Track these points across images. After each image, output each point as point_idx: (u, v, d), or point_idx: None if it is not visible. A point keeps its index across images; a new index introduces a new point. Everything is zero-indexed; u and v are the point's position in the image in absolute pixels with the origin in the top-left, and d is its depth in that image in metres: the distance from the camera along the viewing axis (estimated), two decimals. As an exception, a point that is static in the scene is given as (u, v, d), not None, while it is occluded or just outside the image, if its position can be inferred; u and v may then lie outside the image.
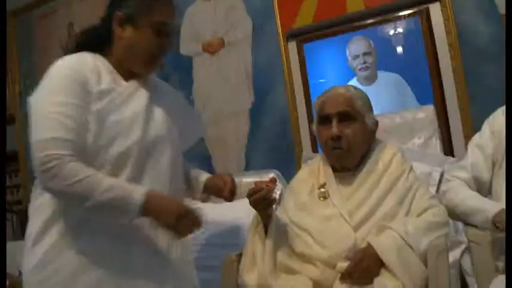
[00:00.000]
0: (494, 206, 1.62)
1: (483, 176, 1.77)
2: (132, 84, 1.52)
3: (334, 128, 1.70)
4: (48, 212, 1.41)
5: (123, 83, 1.52)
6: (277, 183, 1.85)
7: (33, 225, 1.43)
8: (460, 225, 2.12)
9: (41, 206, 1.43)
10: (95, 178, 1.34)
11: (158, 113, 1.54)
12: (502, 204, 1.58)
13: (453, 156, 2.61)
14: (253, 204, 1.62)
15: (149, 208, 1.36)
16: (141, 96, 1.52)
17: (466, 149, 1.81)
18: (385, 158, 1.76)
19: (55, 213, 1.40)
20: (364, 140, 1.74)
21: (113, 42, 1.54)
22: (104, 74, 1.48)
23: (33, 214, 1.46)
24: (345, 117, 1.71)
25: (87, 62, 1.47)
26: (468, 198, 1.72)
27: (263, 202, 1.61)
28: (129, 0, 1.51)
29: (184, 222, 1.38)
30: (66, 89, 1.39)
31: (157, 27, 1.51)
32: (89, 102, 1.41)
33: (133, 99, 1.50)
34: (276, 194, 1.93)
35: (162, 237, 1.47)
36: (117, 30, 1.52)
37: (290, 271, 1.63)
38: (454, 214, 1.75)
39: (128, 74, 1.54)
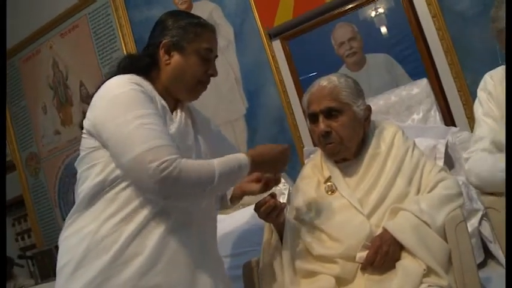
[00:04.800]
0: None
1: (503, 139, 1.71)
2: (182, 115, 1.54)
3: (321, 125, 1.68)
4: (92, 235, 1.35)
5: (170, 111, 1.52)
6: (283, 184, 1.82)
7: (72, 252, 1.37)
8: (474, 193, 2.08)
9: (76, 233, 1.38)
10: (204, 161, 1.38)
11: (202, 146, 1.56)
12: None
13: (455, 125, 2.57)
14: (265, 215, 1.61)
15: (256, 163, 1.47)
16: (189, 128, 1.54)
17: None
18: (386, 139, 1.72)
19: (101, 232, 1.35)
20: (356, 128, 1.70)
21: (160, 70, 1.54)
22: (156, 96, 1.48)
23: (67, 243, 1.41)
24: (331, 112, 1.68)
25: (141, 81, 1.46)
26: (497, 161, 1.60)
27: (274, 212, 1.60)
28: (175, 29, 1.54)
29: (282, 159, 1.54)
30: (141, 101, 1.38)
31: (203, 54, 1.54)
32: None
33: (186, 131, 1.52)
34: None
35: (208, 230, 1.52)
36: (164, 58, 1.53)
37: (310, 275, 1.60)
38: (488, 182, 1.61)
39: (172, 102, 1.55)
